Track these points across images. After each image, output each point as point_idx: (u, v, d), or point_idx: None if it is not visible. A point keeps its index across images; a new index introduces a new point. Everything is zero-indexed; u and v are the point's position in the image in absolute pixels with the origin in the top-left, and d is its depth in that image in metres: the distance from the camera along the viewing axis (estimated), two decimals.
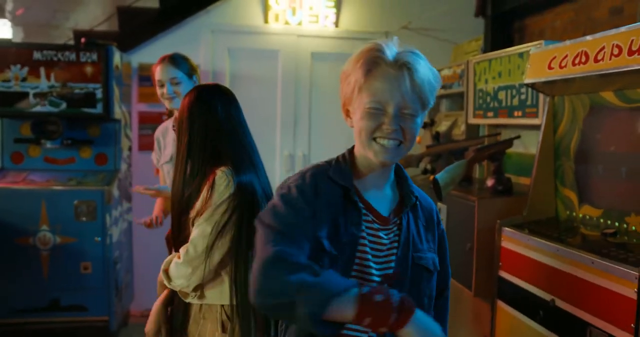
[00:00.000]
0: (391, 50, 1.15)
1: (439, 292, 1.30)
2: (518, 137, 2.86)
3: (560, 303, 1.96)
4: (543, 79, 2.26)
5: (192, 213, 1.69)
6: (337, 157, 1.26)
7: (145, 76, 4.16)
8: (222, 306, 1.70)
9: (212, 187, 1.66)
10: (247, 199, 1.69)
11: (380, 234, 1.20)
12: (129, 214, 3.98)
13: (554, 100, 2.41)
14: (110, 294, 3.40)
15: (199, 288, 1.71)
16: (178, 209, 1.76)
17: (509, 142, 2.81)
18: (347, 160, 1.23)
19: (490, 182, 2.78)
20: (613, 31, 1.92)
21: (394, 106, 1.12)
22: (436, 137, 3.74)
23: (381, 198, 1.23)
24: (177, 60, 2.58)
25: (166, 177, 2.61)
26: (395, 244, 1.20)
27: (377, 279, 1.17)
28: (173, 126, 2.61)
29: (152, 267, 4.05)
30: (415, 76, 1.12)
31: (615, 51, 1.86)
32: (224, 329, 1.67)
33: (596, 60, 1.95)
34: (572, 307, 1.91)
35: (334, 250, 1.13)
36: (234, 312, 1.67)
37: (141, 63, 4.16)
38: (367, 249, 1.18)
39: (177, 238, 1.78)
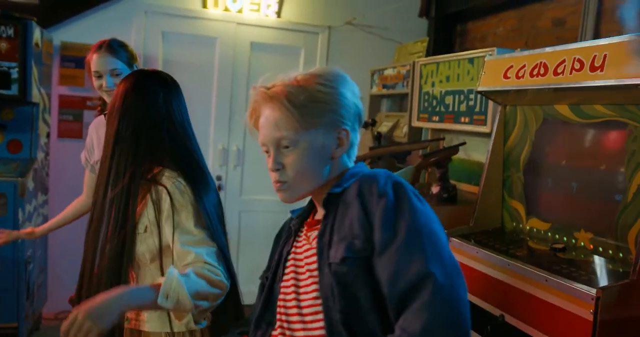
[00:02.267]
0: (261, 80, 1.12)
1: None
2: (464, 143, 2.83)
3: (510, 319, 1.92)
4: (498, 88, 2.21)
5: (139, 227, 1.46)
6: None
7: (68, 56, 3.82)
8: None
9: (171, 198, 1.43)
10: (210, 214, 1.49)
11: (312, 241, 1.14)
12: (45, 208, 3.65)
13: (505, 109, 2.37)
14: (21, 298, 3.07)
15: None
16: (100, 215, 1.50)
17: (456, 149, 2.77)
18: None
19: (435, 190, 2.72)
20: (574, 45, 1.89)
21: (272, 144, 1.09)
22: (377, 137, 3.67)
23: None
24: (115, 48, 2.30)
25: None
26: (313, 251, 1.12)
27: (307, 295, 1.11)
28: None
29: (68, 266, 3.75)
30: (273, 100, 1.07)
31: (577, 66, 1.83)
32: None
33: (556, 74, 1.91)
34: (522, 324, 1.87)
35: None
36: None
37: (64, 42, 3.81)
38: (292, 262, 1.17)
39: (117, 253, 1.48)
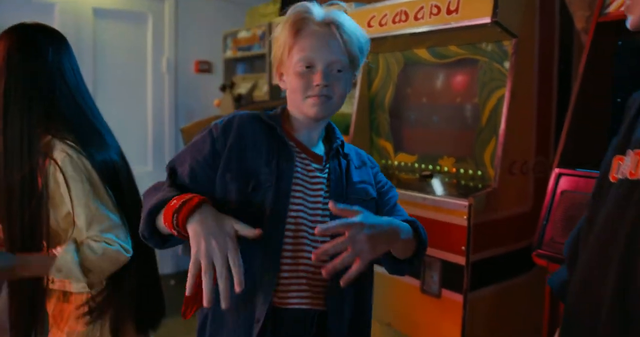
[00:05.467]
0: (318, 10, 1.19)
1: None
2: None
3: None
4: None
5: (49, 203, 1.40)
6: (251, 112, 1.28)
7: None
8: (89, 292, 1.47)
9: (64, 174, 1.37)
10: (106, 177, 1.45)
11: (316, 172, 1.23)
12: None
13: (368, 57, 2.59)
14: None
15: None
16: (9, 194, 1.41)
17: None
18: (278, 113, 1.27)
19: None
20: None
21: (323, 63, 1.16)
22: (238, 99, 3.74)
23: (315, 148, 1.27)
24: None
25: None
26: (325, 181, 1.24)
27: (310, 212, 1.20)
28: None
29: None
30: (342, 33, 1.17)
31: (434, 11, 2.09)
32: (91, 314, 1.46)
33: (416, 19, 2.16)
34: None
35: (254, 184, 1.16)
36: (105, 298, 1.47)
37: None
38: (301, 182, 1.21)
39: (26, 238, 1.42)
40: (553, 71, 2.13)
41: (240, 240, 1.04)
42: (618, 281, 0.84)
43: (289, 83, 1.21)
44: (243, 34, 3.81)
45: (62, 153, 1.39)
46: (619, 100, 1.78)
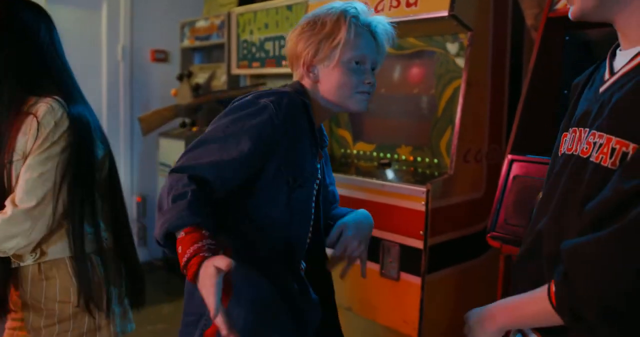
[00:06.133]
0: (365, 12, 1.26)
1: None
2: (264, 83, 3.10)
3: None
4: None
5: (14, 156, 1.37)
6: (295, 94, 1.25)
7: None
8: (71, 257, 1.45)
9: (39, 122, 1.36)
10: (82, 134, 1.44)
11: (318, 170, 1.32)
12: None
13: None
14: None
15: (38, 244, 1.42)
16: None
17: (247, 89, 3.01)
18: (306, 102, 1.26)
19: None
20: None
21: (370, 62, 1.24)
22: (196, 89, 3.73)
23: None
24: None
25: None
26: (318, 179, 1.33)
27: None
28: None
29: None
30: (378, 38, 1.26)
31: (394, 3, 2.15)
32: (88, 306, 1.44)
33: (377, 11, 2.22)
34: None
35: (300, 180, 1.21)
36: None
37: None
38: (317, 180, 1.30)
39: None
40: (505, 64, 2.24)
41: (272, 230, 1.20)
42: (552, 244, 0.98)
43: (333, 77, 1.22)
44: (201, 23, 3.79)
45: (45, 105, 1.39)
46: (565, 91, 1.89)
